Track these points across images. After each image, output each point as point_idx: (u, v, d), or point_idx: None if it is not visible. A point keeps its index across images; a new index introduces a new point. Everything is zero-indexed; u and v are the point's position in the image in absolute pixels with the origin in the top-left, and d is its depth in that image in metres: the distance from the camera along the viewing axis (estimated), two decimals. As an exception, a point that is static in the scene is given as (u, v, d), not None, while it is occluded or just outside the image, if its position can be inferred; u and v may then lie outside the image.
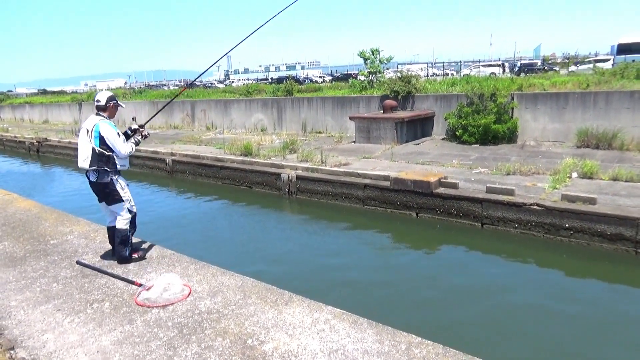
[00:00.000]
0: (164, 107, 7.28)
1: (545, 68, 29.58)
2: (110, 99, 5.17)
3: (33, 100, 40.12)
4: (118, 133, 5.08)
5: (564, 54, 54.86)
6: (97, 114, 5.13)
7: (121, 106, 5.37)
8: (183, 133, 21.32)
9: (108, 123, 5.06)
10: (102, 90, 5.99)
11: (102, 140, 4.95)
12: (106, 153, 5.00)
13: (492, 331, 5.64)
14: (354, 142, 15.65)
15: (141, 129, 5.48)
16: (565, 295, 6.50)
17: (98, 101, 5.14)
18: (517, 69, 33.16)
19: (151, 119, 6.64)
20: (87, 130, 4.99)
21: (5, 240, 6.28)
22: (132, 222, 5.34)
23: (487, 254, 8.04)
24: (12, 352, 3.57)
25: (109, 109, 5.16)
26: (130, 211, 5.27)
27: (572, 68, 26.94)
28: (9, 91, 74.30)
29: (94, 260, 5.40)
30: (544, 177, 9.61)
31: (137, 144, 5.41)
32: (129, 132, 5.44)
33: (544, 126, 13.70)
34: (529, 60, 44.42)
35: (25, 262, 5.44)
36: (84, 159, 5.00)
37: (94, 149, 4.95)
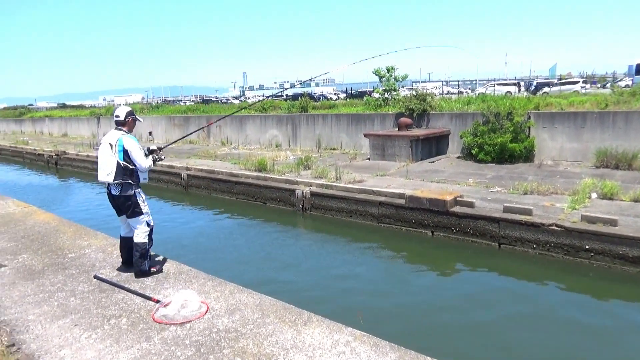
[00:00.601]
0: (199, 129, 7.36)
1: (562, 87, 29.36)
2: (129, 113, 5.30)
3: (53, 114, 40.95)
4: (140, 147, 5.20)
5: (580, 73, 54.51)
6: (117, 129, 5.25)
7: (139, 120, 5.51)
8: (198, 148, 21.50)
9: (130, 137, 5.18)
10: (120, 105, 6.30)
11: (126, 154, 5.06)
12: (130, 166, 5.10)
13: (512, 356, 5.50)
14: (369, 159, 15.63)
15: (159, 151, 5.59)
16: (587, 319, 6.34)
17: (117, 116, 5.27)
18: (533, 88, 32.98)
19: (175, 142, 6.75)
20: (111, 145, 5.08)
21: (25, 253, 6.34)
22: (149, 236, 5.38)
23: (505, 274, 7.91)
24: (29, 367, 3.57)
25: (127, 123, 5.29)
26: (148, 224, 5.33)
27: (546, 89, 26.85)
28: (29, 105, 76.06)
29: (112, 275, 5.42)
30: (563, 197, 9.47)
31: (155, 160, 5.46)
32: (146, 152, 5.53)
33: (562, 145, 13.55)
34: (545, 79, 44.14)
35: (44, 276, 5.48)
36: (107, 173, 5.07)
37: (118, 163, 5.04)
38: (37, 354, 3.76)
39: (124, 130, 5.22)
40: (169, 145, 6.49)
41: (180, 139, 7.21)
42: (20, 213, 8.78)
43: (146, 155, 5.41)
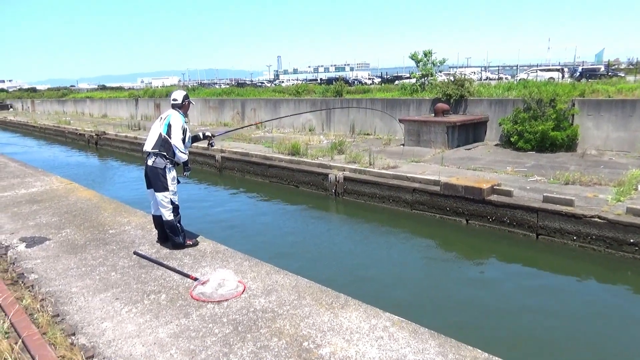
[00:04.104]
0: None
1: (610, 74, 27.96)
2: (185, 97, 5.68)
3: (93, 95, 42.15)
4: (184, 129, 5.47)
5: (629, 59, 51.95)
6: (173, 109, 5.59)
7: (192, 103, 5.90)
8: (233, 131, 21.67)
9: (180, 115, 5.53)
10: (177, 89, 6.76)
11: (169, 127, 5.38)
12: (170, 140, 5.38)
13: (552, 351, 5.36)
14: (403, 145, 15.40)
15: (211, 138, 6.11)
16: (630, 315, 6.10)
17: (175, 99, 5.60)
18: (578, 74, 31.60)
19: (225, 133, 7.02)
20: (161, 118, 5.50)
21: (68, 228, 6.56)
22: (174, 212, 5.56)
23: (543, 266, 7.68)
24: (73, 337, 3.69)
25: (184, 106, 5.65)
26: (172, 202, 5.51)
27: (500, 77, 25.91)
28: (71, 86, 78.52)
29: (150, 252, 5.54)
30: (607, 189, 9.09)
31: (195, 139, 5.93)
32: (201, 136, 6.05)
33: (607, 135, 12.99)
34: (591, 65, 42.14)
35: (86, 250, 5.67)
36: (149, 142, 5.43)
37: (160, 134, 5.38)
38: (80, 325, 3.89)
39: (179, 111, 5.56)
40: (223, 133, 7.05)
41: (241, 128, 7.43)
42: (63, 189, 9.09)
43: (198, 139, 5.92)
